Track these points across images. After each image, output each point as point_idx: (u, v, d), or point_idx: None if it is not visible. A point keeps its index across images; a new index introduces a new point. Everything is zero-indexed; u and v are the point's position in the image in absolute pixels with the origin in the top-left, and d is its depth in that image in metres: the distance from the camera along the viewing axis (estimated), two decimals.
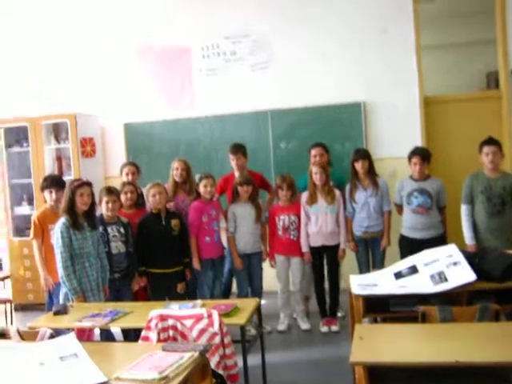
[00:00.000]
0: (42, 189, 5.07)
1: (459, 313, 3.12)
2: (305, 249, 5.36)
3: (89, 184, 4.41)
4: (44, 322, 3.73)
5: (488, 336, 2.79)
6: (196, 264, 5.14)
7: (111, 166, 7.18)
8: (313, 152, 5.67)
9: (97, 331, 4.20)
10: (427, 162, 5.18)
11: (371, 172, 5.39)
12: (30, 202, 7.00)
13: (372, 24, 6.42)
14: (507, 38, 6.18)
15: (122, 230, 4.77)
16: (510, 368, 2.62)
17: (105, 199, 4.72)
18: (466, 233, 4.87)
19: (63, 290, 4.31)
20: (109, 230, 4.72)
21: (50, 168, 6.90)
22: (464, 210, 4.89)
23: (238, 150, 5.67)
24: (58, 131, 7.05)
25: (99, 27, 7.21)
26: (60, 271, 4.25)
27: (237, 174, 5.64)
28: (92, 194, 4.41)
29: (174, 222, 5.00)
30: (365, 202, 5.35)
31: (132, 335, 4.18)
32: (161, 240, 4.91)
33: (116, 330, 4.33)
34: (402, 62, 6.37)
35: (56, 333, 3.19)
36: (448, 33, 7.86)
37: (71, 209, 4.28)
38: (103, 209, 4.75)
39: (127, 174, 5.53)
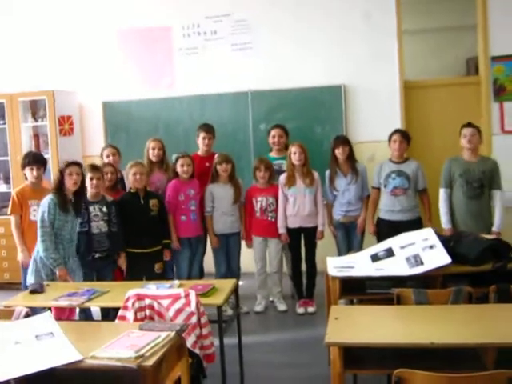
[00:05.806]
0: (23, 166, 5.01)
1: (434, 295, 3.16)
2: (282, 230, 5.37)
3: (78, 164, 4.38)
4: (20, 300, 3.71)
5: (462, 318, 2.85)
6: (175, 243, 5.15)
7: (89, 145, 7.10)
8: (272, 133, 5.67)
9: (77, 310, 4.18)
10: (407, 141, 5.20)
11: (351, 159, 5.40)
12: (7, 180, 6.90)
13: (354, 8, 6.39)
14: (488, 23, 6.19)
15: (104, 209, 4.70)
16: (483, 349, 2.66)
17: (89, 175, 4.61)
18: (442, 217, 4.91)
19: (33, 268, 4.30)
20: (90, 209, 4.64)
21: (27, 146, 6.80)
22: (442, 193, 4.93)
23: (211, 129, 5.64)
24: (35, 108, 6.94)
25: (79, 5, 7.07)
26: (41, 245, 4.23)
27: (200, 153, 5.61)
28: (82, 175, 4.37)
29: (153, 202, 4.97)
30: (345, 188, 5.35)
31: (112, 315, 4.16)
32: (138, 219, 4.88)
33: (94, 309, 4.31)
34: (382, 46, 6.36)
35: (32, 312, 3.17)
36: (428, 18, 7.84)
37: (59, 189, 4.26)
38: (87, 186, 4.65)
39: (108, 156, 5.47)
